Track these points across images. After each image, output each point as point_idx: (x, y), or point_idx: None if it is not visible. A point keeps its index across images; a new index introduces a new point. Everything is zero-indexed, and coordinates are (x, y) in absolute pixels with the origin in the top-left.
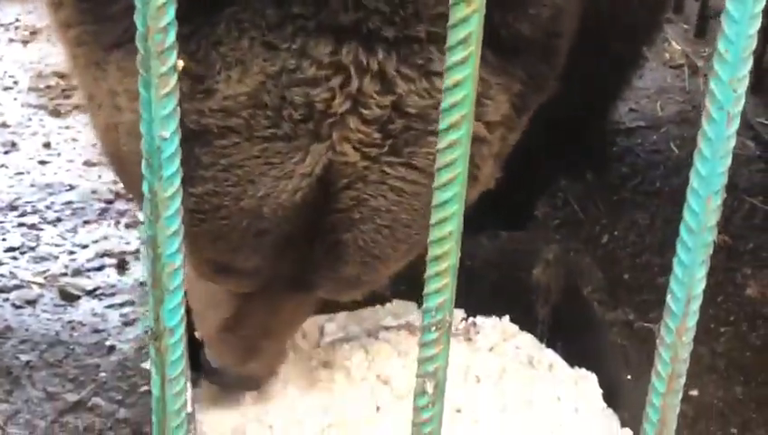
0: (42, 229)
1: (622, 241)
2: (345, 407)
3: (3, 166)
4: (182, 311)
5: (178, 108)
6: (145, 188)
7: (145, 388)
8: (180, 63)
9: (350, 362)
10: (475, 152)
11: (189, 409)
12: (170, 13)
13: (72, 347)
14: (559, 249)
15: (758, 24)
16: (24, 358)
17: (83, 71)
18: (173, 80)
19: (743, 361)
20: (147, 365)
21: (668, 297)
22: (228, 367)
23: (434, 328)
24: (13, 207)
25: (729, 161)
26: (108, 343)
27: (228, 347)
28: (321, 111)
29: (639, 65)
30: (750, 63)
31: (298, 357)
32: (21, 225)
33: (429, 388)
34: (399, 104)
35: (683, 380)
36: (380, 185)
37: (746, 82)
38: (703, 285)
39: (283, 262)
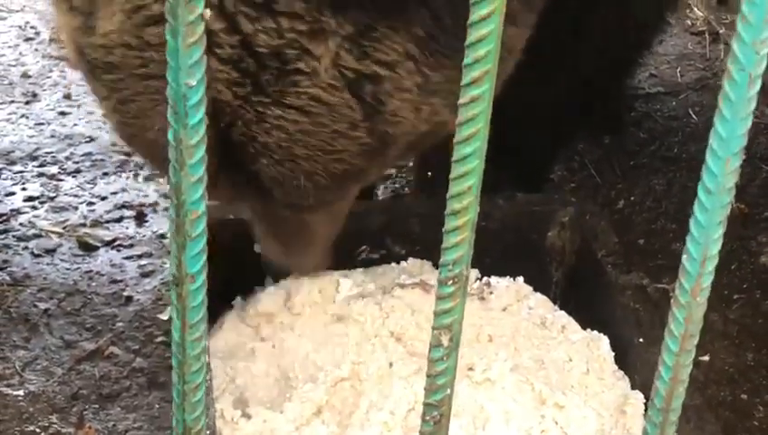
0: (61, 180)
1: (638, 206)
2: (359, 362)
3: (23, 116)
4: (204, 258)
5: (204, 57)
6: (170, 135)
7: (161, 338)
8: (207, 12)
9: (365, 317)
10: None
11: (205, 355)
12: None
13: (89, 297)
14: (574, 212)
15: None
16: (42, 306)
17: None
18: (200, 29)
19: (755, 328)
20: (163, 316)
21: (684, 257)
22: (275, 260)
23: (450, 282)
24: (33, 157)
25: (749, 123)
26: (125, 293)
27: (269, 245)
28: None
29: (662, 30)
30: None
31: (313, 311)
32: (41, 175)
33: (445, 341)
34: (248, 43)
35: (696, 339)
36: (261, 123)
37: None
38: (719, 246)
39: (222, 184)
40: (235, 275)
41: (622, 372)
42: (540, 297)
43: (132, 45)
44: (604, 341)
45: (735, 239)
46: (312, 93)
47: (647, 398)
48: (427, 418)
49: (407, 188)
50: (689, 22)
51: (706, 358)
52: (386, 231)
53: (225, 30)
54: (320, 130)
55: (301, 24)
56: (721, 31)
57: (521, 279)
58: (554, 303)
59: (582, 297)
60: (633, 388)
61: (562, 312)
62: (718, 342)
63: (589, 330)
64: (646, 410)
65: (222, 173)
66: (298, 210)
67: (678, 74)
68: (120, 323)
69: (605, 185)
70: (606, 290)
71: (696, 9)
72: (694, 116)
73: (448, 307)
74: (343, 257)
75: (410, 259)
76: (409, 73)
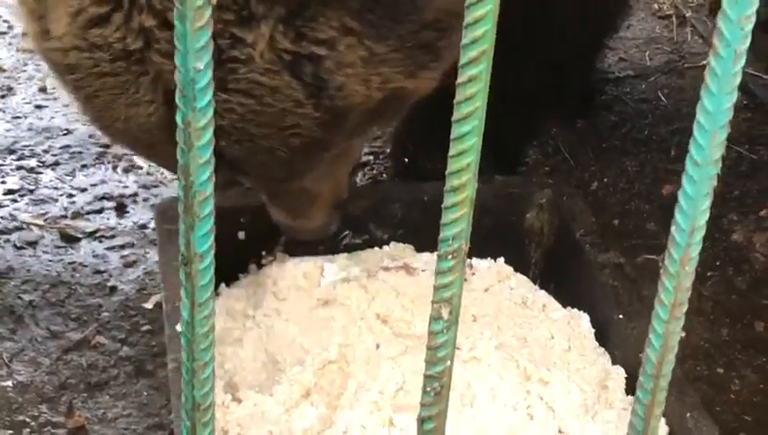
0: (40, 173)
1: (612, 187)
2: (346, 344)
3: (0, 110)
4: (212, 238)
5: (212, 40)
6: (179, 118)
7: (147, 327)
8: None
9: (350, 300)
10: None
11: (213, 334)
12: None
13: (73, 287)
14: (552, 193)
15: None
16: (26, 298)
17: None
18: (207, 13)
19: (728, 304)
20: (148, 305)
21: (673, 228)
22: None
23: (450, 256)
24: (11, 151)
25: (735, 97)
26: (109, 283)
27: (274, 210)
28: (123, 50)
29: (627, 14)
30: (757, 2)
31: (298, 296)
32: (20, 168)
33: (445, 314)
34: None
35: (685, 307)
36: None
37: (753, 20)
38: (706, 216)
39: None
40: (217, 261)
41: (603, 349)
42: (520, 277)
43: (82, 47)
44: (584, 318)
45: (708, 218)
46: (251, 78)
47: (627, 373)
48: (428, 389)
49: (384, 175)
50: (656, 6)
51: (682, 334)
52: (368, 216)
53: (157, 26)
54: (267, 110)
55: (227, 14)
56: (687, 14)
57: (501, 260)
58: (534, 283)
59: (562, 277)
60: (614, 363)
61: (543, 291)
62: (694, 318)
63: (569, 308)
64: (626, 384)
65: None
66: (279, 181)
67: (647, 58)
68: (106, 313)
69: (578, 168)
70: (585, 269)
71: None
72: (663, 98)
73: (448, 281)
74: (327, 243)
75: (393, 243)
76: (350, 48)
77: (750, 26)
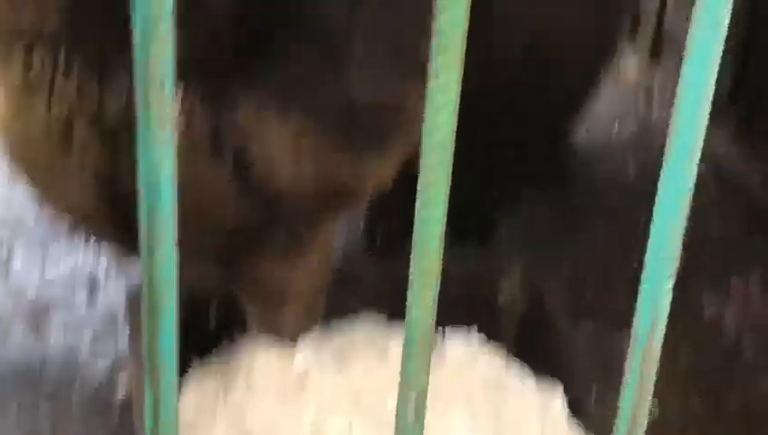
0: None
1: (583, 261)
2: (318, 423)
3: None
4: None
5: (175, 145)
6: (143, 221)
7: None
8: (177, 106)
9: (324, 378)
10: None
11: None
12: (168, 52)
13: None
14: (524, 265)
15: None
16: None
17: None
18: (170, 116)
19: (700, 377)
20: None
21: (635, 325)
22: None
23: (415, 342)
24: None
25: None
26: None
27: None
28: (46, 133)
29: (590, 95)
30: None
31: (272, 375)
32: None
33: (412, 400)
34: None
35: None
36: None
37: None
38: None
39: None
40: (189, 344)
41: (577, 423)
42: (494, 351)
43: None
44: (558, 392)
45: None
46: None
47: None
48: None
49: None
50: (623, 78)
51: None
52: (341, 287)
53: (74, 114)
54: (190, 196)
55: None
56: (654, 86)
57: (475, 334)
58: (508, 355)
59: (535, 349)
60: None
61: (516, 365)
62: (666, 391)
63: (543, 382)
64: None
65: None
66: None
67: (614, 130)
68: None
69: (549, 240)
70: (558, 341)
71: (628, 66)
72: (631, 171)
73: (413, 367)
74: None
75: (366, 315)
76: (275, 135)
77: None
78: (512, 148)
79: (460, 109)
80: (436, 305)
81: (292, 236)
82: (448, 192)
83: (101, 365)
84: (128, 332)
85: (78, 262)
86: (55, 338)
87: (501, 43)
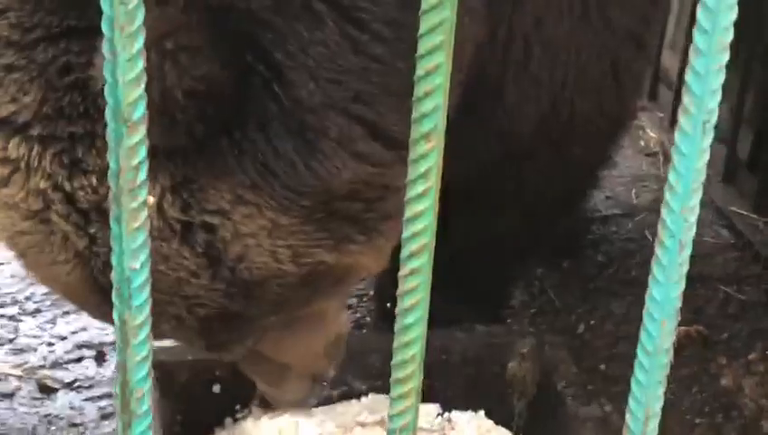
0: (21, 320)
1: (599, 330)
2: None
3: None
4: (150, 434)
5: (148, 239)
6: (115, 315)
7: None
8: (151, 199)
9: None
10: None
11: None
12: (142, 151)
13: None
14: (534, 342)
15: (706, 157)
16: None
17: None
18: (143, 215)
19: None
20: None
21: (627, 417)
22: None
23: None
24: None
25: (683, 286)
26: None
27: (257, 376)
28: (28, 210)
29: (607, 166)
30: (700, 193)
31: None
32: (0, 316)
33: None
34: (72, 200)
35: None
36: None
37: (697, 211)
38: (661, 403)
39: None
40: (192, 414)
41: None
42: (502, 431)
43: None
44: None
45: (696, 362)
46: None
47: None
48: None
49: (368, 318)
50: (642, 143)
51: None
52: (346, 367)
53: (51, 188)
54: (164, 278)
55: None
56: None
57: (482, 413)
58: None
59: (544, 430)
60: None
61: None
62: None
63: None
64: None
65: None
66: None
67: (634, 196)
68: None
69: (565, 309)
70: (566, 423)
71: (648, 130)
72: (650, 237)
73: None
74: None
75: (371, 395)
76: (248, 218)
77: (694, 217)
78: (524, 219)
79: (472, 181)
80: (417, 411)
81: (286, 315)
82: (429, 298)
83: (107, 428)
84: None
85: (86, 333)
86: (62, 399)
87: (517, 113)
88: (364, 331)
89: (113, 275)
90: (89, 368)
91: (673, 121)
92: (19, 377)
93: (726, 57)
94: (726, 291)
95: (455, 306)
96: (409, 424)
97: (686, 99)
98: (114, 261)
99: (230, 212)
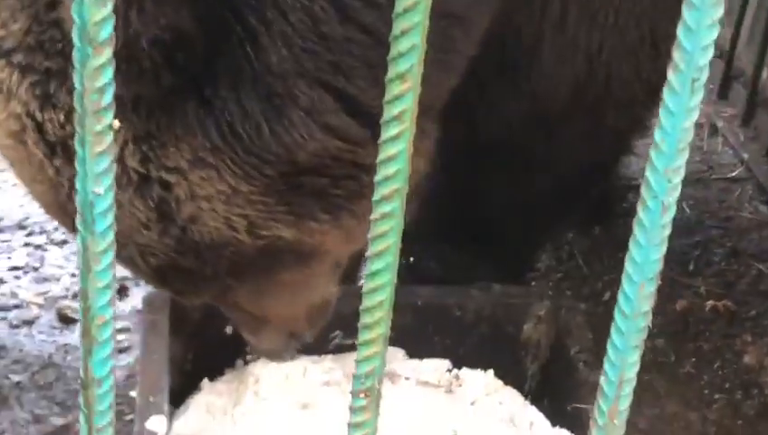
0: (47, 250)
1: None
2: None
3: (15, 185)
4: (111, 362)
5: (114, 165)
6: (78, 241)
7: (130, 416)
8: (116, 123)
9: (329, 405)
10: None
11: None
12: (108, 74)
13: (63, 371)
14: (550, 306)
15: (695, 117)
16: (14, 378)
17: None
18: (108, 138)
19: (734, 430)
20: (134, 393)
21: (602, 379)
22: (273, 349)
23: (362, 395)
24: (21, 227)
25: (664, 249)
26: None
27: (261, 337)
28: (9, 131)
29: (642, 134)
30: (686, 154)
31: (279, 396)
32: (27, 244)
33: None
34: (42, 131)
35: None
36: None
37: (682, 172)
38: (636, 369)
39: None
40: (204, 354)
41: None
42: (510, 392)
43: None
44: None
45: (720, 337)
46: None
47: None
48: None
49: None
50: None
51: None
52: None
53: (24, 114)
54: (118, 222)
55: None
56: (720, 124)
57: (491, 372)
58: (527, 397)
59: (555, 393)
60: None
61: (533, 408)
62: None
63: (558, 427)
64: None
65: None
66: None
67: None
68: None
69: (592, 276)
70: (577, 388)
71: None
72: (687, 209)
73: (361, 420)
74: (315, 342)
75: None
76: (205, 181)
77: (678, 178)
78: (556, 184)
79: (507, 143)
80: (384, 357)
81: (248, 282)
82: (399, 244)
83: (123, 361)
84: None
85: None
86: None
87: (552, 76)
88: None
89: (77, 199)
90: None
91: (721, 93)
92: (40, 305)
93: (720, 12)
94: (760, 268)
95: (478, 266)
96: (375, 370)
97: (675, 54)
98: (78, 185)
99: (187, 172)
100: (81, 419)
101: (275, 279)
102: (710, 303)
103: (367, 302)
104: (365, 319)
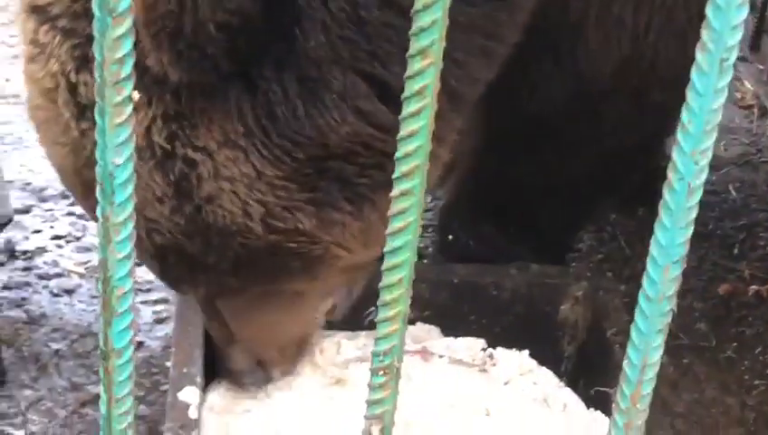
0: (89, 220)
1: None
2: (352, 426)
3: None
4: (130, 334)
5: (133, 136)
6: (98, 212)
7: (166, 387)
8: (136, 94)
9: (362, 382)
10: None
11: (132, 429)
12: (127, 44)
13: None
14: (588, 287)
15: (723, 98)
16: (54, 346)
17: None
18: (128, 109)
19: None
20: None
21: (624, 362)
22: (236, 369)
23: (381, 372)
24: (64, 196)
25: (690, 232)
26: (137, 338)
27: (229, 353)
28: (44, 89)
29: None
30: (714, 136)
31: (313, 371)
32: (70, 214)
33: (375, 431)
34: (74, 92)
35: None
36: None
37: (709, 154)
38: (660, 353)
39: None
40: None
41: None
42: (545, 372)
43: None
44: (604, 423)
45: (763, 323)
46: None
47: None
48: None
49: (430, 249)
50: (738, 95)
51: None
52: None
53: (60, 72)
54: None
55: None
56: None
57: (526, 353)
58: (563, 377)
59: (591, 375)
60: None
61: (567, 389)
62: (733, 428)
63: (592, 409)
64: None
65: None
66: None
67: (722, 147)
68: None
69: (634, 257)
70: (612, 371)
71: (746, 83)
72: (733, 192)
73: (379, 398)
74: (350, 318)
75: (418, 323)
76: (231, 162)
77: (705, 160)
78: (599, 162)
79: (550, 123)
80: (404, 336)
81: (246, 282)
82: (419, 223)
83: (161, 331)
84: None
85: None
86: None
87: (597, 55)
88: (425, 261)
89: (97, 170)
90: (149, 272)
91: (753, 45)
92: (81, 275)
93: None
94: None
95: (518, 246)
96: (394, 348)
97: (704, 34)
98: (98, 155)
99: (215, 152)
100: (101, 389)
101: (275, 289)
102: (754, 287)
103: (386, 279)
104: (384, 296)
